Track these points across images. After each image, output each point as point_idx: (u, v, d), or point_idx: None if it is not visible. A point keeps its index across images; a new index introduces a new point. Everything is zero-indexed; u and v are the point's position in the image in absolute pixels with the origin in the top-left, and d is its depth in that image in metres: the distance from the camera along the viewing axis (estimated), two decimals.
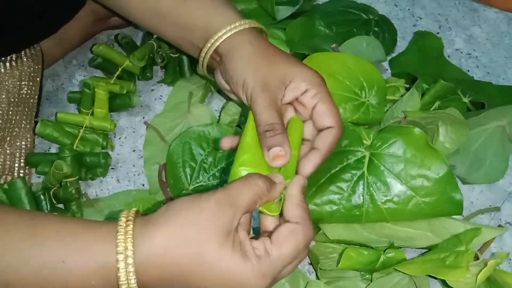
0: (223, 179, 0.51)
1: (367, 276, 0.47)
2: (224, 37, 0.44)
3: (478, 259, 0.45)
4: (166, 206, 0.35)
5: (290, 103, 0.44)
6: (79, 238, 0.33)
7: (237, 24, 0.44)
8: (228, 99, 0.57)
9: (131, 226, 0.33)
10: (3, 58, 0.56)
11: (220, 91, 0.61)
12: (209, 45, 0.45)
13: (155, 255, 0.33)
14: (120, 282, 0.32)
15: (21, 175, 0.55)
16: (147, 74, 0.62)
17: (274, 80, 0.42)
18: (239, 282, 0.34)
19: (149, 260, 0.33)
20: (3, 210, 0.35)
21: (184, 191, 0.52)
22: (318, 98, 0.42)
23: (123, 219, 0.34)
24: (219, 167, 0.52)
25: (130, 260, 0.32)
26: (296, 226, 0.36)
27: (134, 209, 0.36)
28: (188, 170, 0.52)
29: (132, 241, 0.33)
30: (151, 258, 0.33)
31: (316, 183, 0.49)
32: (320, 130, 0.43)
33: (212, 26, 0.45)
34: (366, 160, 0.49)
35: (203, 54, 0.46)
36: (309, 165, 0.41)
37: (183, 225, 0.33)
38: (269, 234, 0.36)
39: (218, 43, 0.45)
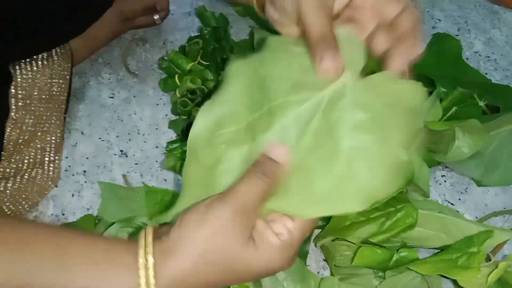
0: None
1: (380, 274, 0.48)
2: None
3: (490, 260, 0.46)
4: (178, 228, 0.35)
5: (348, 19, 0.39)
6: (102, 269, 0.34)
7: None
8: None
9: (151, 259, 0.34)
10: (35, 57, 0.59)
11: None
12: None
13: (180, 276, 0.33)
14: None
15: (51, 168, 0.58)
16: None
17: None
18: (273, 269, 0.35)
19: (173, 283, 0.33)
20: (30, 230, 0.35)
21: None
22: None
23: (141, 251, 0.34)
24: None
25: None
26: None
27: (151, 229, 0.35)
28: None
29: (153, 273, 0.33)
30: (175, 281, 0.34)
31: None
32: (394, 25, 0.37)
33: None
34: None
35: None
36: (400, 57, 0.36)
37: (201, 253, 0.34)
38: None
39: None
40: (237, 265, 0.34)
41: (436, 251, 0.51)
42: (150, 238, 0.35)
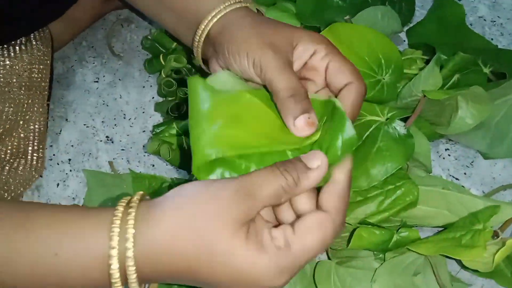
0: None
1: (380, 256, 0.45)
2: (218, 17, 0.40)
3: (498, 237, 0.43)
4: (176, 189, 0.32)
5: (302, 78, 0.40)
6: (73, 226, 0.30)
7: (231, 2, 0.41)
8: None
9: (133, 213, 0.30)
10: (12, 42, 0.56)
11: None
12: (202, 26, 0.41)
13: (158, 245, 0.30)
14: (113, 280, 0.29)
15: (35, 157, 0.56)
16: None
17: (282, 42, 0.38)
18: (252, 277, 0.30)
19: (151, 251, 0.30)
20: None
21: None
22: (329, 57, 0.38)
23: (123, 203, 0.31)
24: None
25: (129, 253, 0.29)
26: (326, 217, 0.32)
27: (140, 192, 0.32)
28: None
29: (133, 230, 0.29)
30: (154, 250, 0.30)
31: None
32: (338, 92, 0.38)
33: (204, 7, 0.41)
34: None
35: (197, 38, 0.42)
36: None
37: (193, 214, 0.30)
38: (292, 221, 0.32)
39: (211, 24, 0.41)
40: (216, 253, 0.30)
41: (440, 229, 0.48)
42: (138, 195, 0.32)
